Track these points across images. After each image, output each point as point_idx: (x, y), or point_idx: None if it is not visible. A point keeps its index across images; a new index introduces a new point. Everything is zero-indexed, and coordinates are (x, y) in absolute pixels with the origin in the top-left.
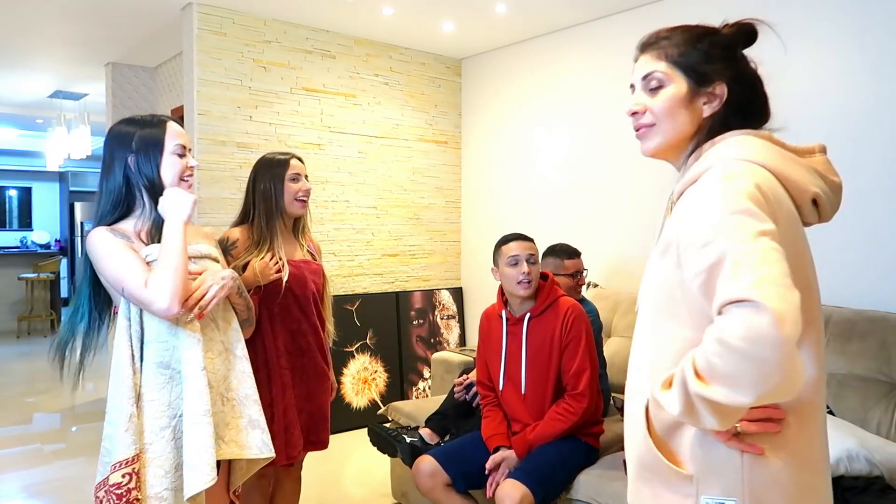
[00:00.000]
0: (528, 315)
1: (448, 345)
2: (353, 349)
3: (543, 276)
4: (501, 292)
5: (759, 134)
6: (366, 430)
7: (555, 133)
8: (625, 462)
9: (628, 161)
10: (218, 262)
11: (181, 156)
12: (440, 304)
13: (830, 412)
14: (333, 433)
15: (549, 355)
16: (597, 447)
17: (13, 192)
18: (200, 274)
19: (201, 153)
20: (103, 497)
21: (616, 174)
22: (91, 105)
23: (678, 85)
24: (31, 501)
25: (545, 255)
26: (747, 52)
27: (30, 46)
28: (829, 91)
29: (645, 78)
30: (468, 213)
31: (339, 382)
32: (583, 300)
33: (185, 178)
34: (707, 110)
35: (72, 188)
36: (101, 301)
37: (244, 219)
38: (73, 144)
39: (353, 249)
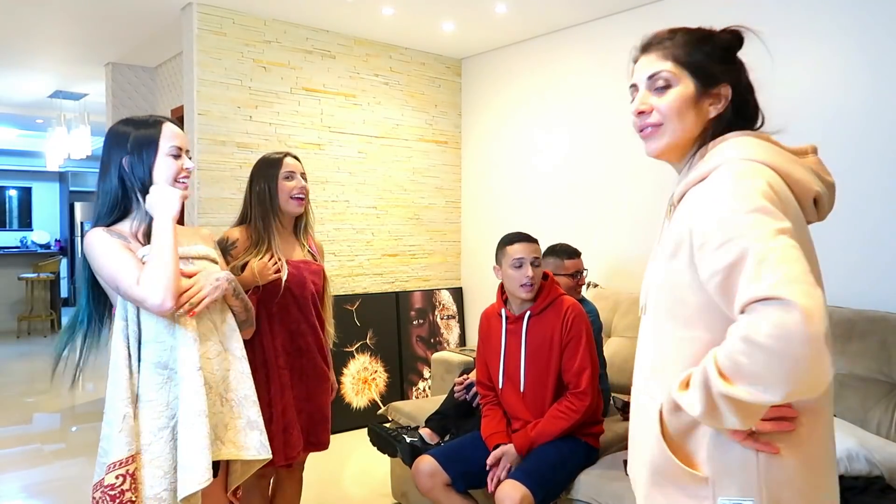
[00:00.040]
0: (527, 313)
1: (448, 345)
2: (353, 349)
3: (543, 276)
4: (501, 290)
5: (758, 135)
6: (366, 430)
7: (555, 133)
8: (625, 462)
9: (628, 161)
10: (216, 262)
11: (177, 157)
12: (440, 304)
13: None
14: (333, 433)
15: (549, 354)
16: (597, 447)
17: (13, 192)
18: (195, 275)
19: (201, 153)
20: (99, 498)
21: (616, 174)
22: (91, 105)
23: (686, 85)
24: (31, 501)
25: (545, 254)
26: (742, 58)
27: (30, 46)
28: (829, 91)
29: (651, 77)
30: (468, 213)
31: (339, 382)
32: (583, 300)
33: (181, 181)
34: (713, 111)
35: (72, 188)
36: (99, 302)
37: (244, 219)
38: (73, 144)
39: (353, 249)
